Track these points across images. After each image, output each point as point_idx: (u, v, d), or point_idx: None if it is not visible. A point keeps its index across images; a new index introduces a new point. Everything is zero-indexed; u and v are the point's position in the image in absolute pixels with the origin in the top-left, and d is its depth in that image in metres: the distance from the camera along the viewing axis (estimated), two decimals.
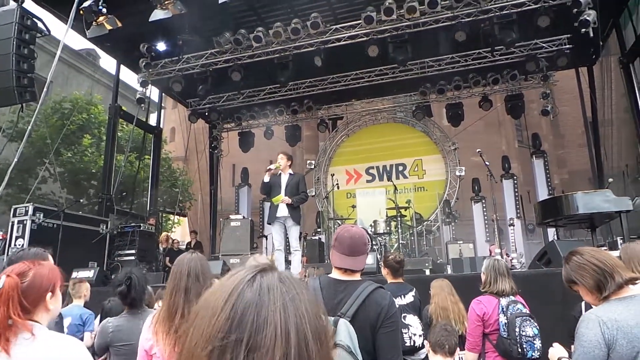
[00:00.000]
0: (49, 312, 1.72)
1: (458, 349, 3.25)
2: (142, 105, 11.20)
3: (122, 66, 11.72)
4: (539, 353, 3.24)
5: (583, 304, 3.19)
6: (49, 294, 1.71)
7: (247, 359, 0.57)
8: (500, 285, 3.41)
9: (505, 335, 3.27)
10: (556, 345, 2.23)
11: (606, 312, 1.92)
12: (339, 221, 10.13)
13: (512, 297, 3.41)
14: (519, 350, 3.21)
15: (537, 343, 3.24)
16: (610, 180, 7.45)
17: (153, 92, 12.84)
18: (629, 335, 1.82)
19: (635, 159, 10.03)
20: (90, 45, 14.41)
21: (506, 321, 3.29)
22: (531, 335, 3.24)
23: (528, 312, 3.39)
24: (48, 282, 1.71)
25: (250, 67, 10.61)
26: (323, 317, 0.66)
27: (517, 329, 3.24)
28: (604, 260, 2.04)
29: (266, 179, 6.64)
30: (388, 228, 8.76)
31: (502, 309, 3.34)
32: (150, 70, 10.77)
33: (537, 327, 3.30)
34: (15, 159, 7.91)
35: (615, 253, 2.60)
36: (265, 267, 0.68)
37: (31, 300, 1.62)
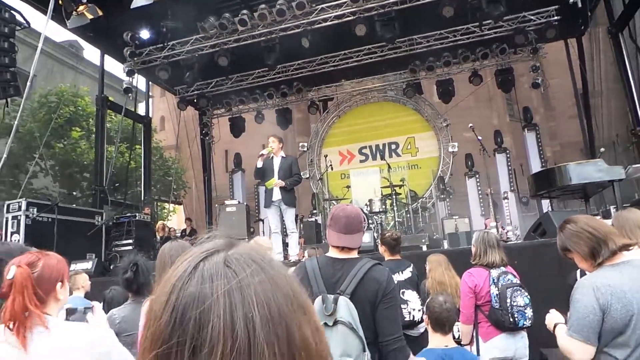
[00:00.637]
0: (59, 302, 1.73)
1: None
2: (130, 94, 11.07)
3: (106, 56, 11.53)
4: (530, 322, 3.32)
5: (578, 272, 3.23)
6: (59, 283, 1.72)
7: None
8: (490, 257, 3.45)
9: (497, 306, 3.32)
10: (552, 311, 2.27)
11: (600, 278, 1.96)
12: (334, 202, 10.15)
13: (502, 269, 3.46)
14: (511, 319, 3.28)
15: (529, 312, 3.31)
16: (602, 150, 7.51)
17: (140, 82, 12.72)
18: (623, 300, 1.85)
19: (625, 128, 10.09)
20: (73, 37, 14.18)
21: (497, 292, 3.35)
22: (522, 305, 3.30)
23: (518, 282, 3.44)
24: (57, 272, 1.72)
25: (237, 51, 10.47)
26: (286, 297, 0.57)
27: (508, 300, 3.30)
28: (597, 227, 2.07)
29: (259, 164, 6.64)
30: (383, 206, 8.80)
31: (493, 280, 3.39)
32: (135, 59, 10.60)
33: (528, 297, 3.36)
34: (5, 155, 7.82)
35: (609, 222, 2.63)
36: (212, 249, 0.60)
37: (43, 290, 1.62)
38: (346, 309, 2.08)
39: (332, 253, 2.34)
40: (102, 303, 4.28)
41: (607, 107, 11.18)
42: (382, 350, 2.19)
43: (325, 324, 2.07)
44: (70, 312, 1.96)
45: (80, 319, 1.97)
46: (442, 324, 2.56)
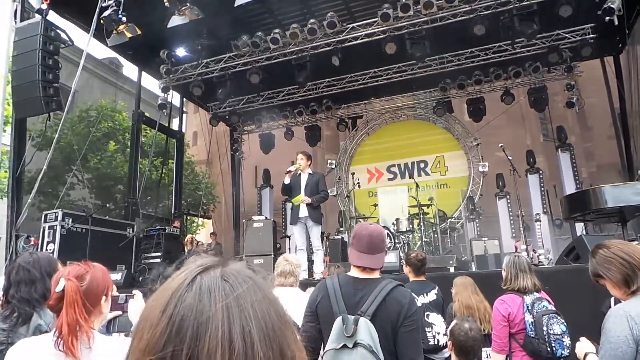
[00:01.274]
0: (102, 315, 1.73)
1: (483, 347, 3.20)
2: (164, 110, 11.42)
3: (143, 73, 11.97)
4: (568, 351, 3.14)
5: (612, 299, 3.09)
6: (104, 297, 1.72)
7: None
8: (522, 282, 3.32)
9: (532, 335, 3.18)
10: (583, 339, 2.18)
11: (635, 307, 1.87)
12: (360, 220, 10.09)
13: (536, 294, 3.33)
14: (548, 349, 3.12)
15: (566, 340, 3.14)
16: None
17: (174, 98, 13.11)
18: None
19: None
20: (112, 54, 14.73)
21: (533, 320, 3.21)
22: (559, 333, 3.15)
23: (554, 309, 3.30)
24: (103, 285, 1.73)
25: (268, 69, 10.69)
26: (278, 315, 0.59)
27: (544, 328, 3.15)
28: (631, 253, 1.98)
29: (286, 180, 6.69)
30: (411, 226, 8.68)
31: (527, 307, 3.25)
32: (170, 76, 10.96)
33: (565, 324, 3.21)
34: (45, 167, 8.17)
35: None
36: (209, 264, 0.61)
37: (90, 304, 1.63)
38: (367, 331, 2.06)
39: (354, 272, 2.32)
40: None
41: None
42: None
43: (345, 345, 2.05)
44: (113, 300, 2.03)
45: (121, 308, 2.11)
46: (467, 351, 2.48)
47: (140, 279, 8.03)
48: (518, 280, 3.35)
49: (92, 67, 19.17)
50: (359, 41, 9.74)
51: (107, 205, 13.07)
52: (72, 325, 1.53)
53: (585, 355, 2.06)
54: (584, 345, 2.14)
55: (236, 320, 0.54)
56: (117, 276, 7.26)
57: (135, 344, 0.56)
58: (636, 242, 5.78)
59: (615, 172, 13.28)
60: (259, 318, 0.56)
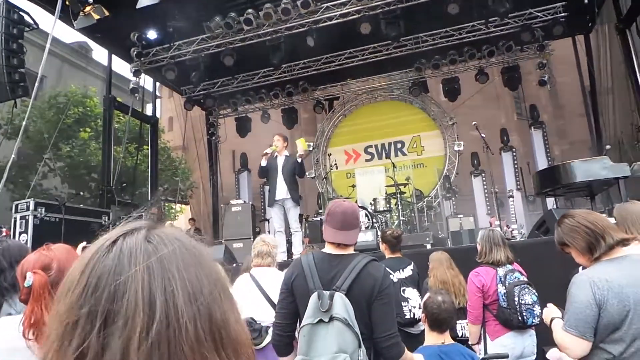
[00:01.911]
0: None
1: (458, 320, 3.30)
2: (137, 95, 11.15)
3: (114, 57, 11.63)
4: (538, 319, 3.27)
5: (580, 268, 3.21)
6: None
7: (104, 332, 0.49)
8: (496, 255, 3.43)
9: (505, 305, 3.30)
10: (550, 305, 2.26)
11: (597, 272, 1.94)
12: (342, 198, 10.08)
13: (509, 267, 3.44)
14: (519, 318, 3.25)
15: (537, 309, 3.27)
16: (608, 147, 7.43)
17: (147, 82, 12.80)
18: (620, 295, 1.84)
19: (630, 125, 9.98)
20: (82, 38, 14.28)
21: (505, 291, 3.32)
22: (530, 303, 3.28)
23: (526, 279, 3.42)
24: (71, 265, 1.72)
25: (242, 51, 10.52)
26: (208, 278, 0.56)
27: (516, 298, 3.27)
28: (594, 222, 2.04)
29: (263, 162, 6.67)
30: (388, 205, 8.78)
31: (500, 278, 3.37)
32: (142, 59, 10.69)
33: (536, 294, 3.33)
34: (13, 156, 7.92)
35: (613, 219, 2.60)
36: (134, 227, 0.59)
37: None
38: (342, 305, 2.09)
39: (328, 249, 2.35)
40: None
41: (615, 105, 11.05)
42: (376, 346, 2.19)
43: (321, 320, 2.08)
44: None
45: None
46: (440, 323, 2.55)
47: None
48: (492, 253, 3.46)
49: (61, 52, 18.55)
50: (333, 21, 9.66)
51: (81, 193, 12.79)
52: (38, 320, 1.52)
53: (552, 320, 2.14)
54: (550, 310, 2.22)
55: (158, 281, 0.52)
56: None
57: (58, 306, 0.54)
58: (604, 215, 5.98)
59: (586, 148, 13.64)
60: (184, 279, 0.54)
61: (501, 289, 3.34)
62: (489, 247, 3.50)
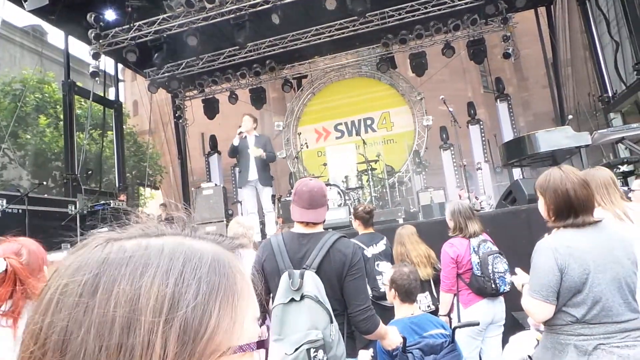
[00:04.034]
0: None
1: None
2: (97, 79, 10.73)
3: (71, 39, 11.13)
4: (509, 287, 3.41)
5: (546, 235, 3.32)
6: (45, 267, 1.72)
7: None
8: (471, 228, 3.52)
9: (479, 274, 3.41)
10: (519, 271, 2.32)
11: (560, 239, 1.99)
12: (308, 177, 10.06)
13: (481, 237, 3.54)
14: (493, 286, 3.38)
15: (508, 277, 3.40)
16: (570, 117, 7.66)
17: (108, 65, 12.35)
18: (580, 260, 1.90)
19: (587, 95, 10.28)
20: (35, 21, 13.61)
21: (479, 260, 3.43)
22: (502, 271, 3.41)
23: (497, 249, 3.54)
24: (42, 256, 1.72)
25: (206, 30, 10.22)
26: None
27: (489, 267, 3.40)
28: (581, 197, 2.00)
29: (235, 141, 6.58)
30: (360, 182, 8.84)
31: (474, 249, 3.48)
32: (100, 41, 10.25)
33: (507, 263, 3.46)
34: None
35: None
36: None
37: (36, 274, 1.63)
38: (312, 283, 2.10)
39: (298, 228, 2.35)
40: None
41: (574, 76, 11.34)
42: (352, 321, 2.22)
43: (293, 299, 2.09)
44: None
45: None
46: (411, 293, 2.60)
47: None
48: (468, 227, 3.54)
49: (12, 36, 17.64)
50: None
51: (44, 183, 12.36)
52: (20, 299, 1.51)
53: (523, 286, 2.19)
54: (520, 276, 2.27)
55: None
56: (62, 255, 6.97)
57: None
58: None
59: (549, 119, 14.01)
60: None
61: (475, 259, 3.45)
62: (463, 221, 3.57)
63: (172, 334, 0.42)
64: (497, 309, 3.51)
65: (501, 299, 3.55)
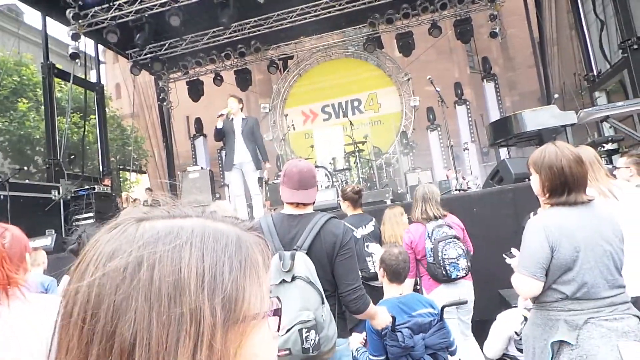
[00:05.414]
0: (27, 272, 1.69)
1: None
2: (78, 60, 10.45)
3: (49, 20, 10.77)
4: (464, 272, 3.36)
5: (532, 214, 3.33)
6: (27, 254, 1.70)
7: None
8: (427, 211, 3.49)
9: (431, 260, 3.39)
10: (515, 252, 2.31)
11: (551, 217, 1.99)
12: (297, 159, 10.02)
13: (438, 222, 3.48)
14: (443, 272, 3.35)
15: (462, 262, 3.35)
16: (556, 96, 7.69)
17: (89, 46, 12.01)
18: (571, 238, 1.90)
19: (572, 75, 10.35)
20: (10, 0, 13.13)
21: (432, 246, 3.41)
22: (454, 257, 3.35)
23: (453, 233, 3.44)
24: (25, 242, 1.70)
25: (189, 9, 9.98)
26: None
27: (439, 253, 3.36)
28: (575, 174, 1.97)
29: (219, 125, 6.45)
30: (347, 164, 8.82)
31: (428, 234, 3.44)
32: (80, 21, 9.96)
33: (462, 248, 3.39)
34: None
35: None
36: None
37: (17, 260, 1.60)
38: (303, 264, 2.09)
39: (287, 210, 2.33)
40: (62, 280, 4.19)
41: (559, 55, 11.39)
42: (342, 301, 2.22)
43: (284, 280, 2.07)
44: None
45: None
46: (399, 274, 2.61)
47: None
48: (418, 209, 3.54)
49: None
50: None
51: (25, 168, 12.12)
52: (2, 279, 1.49)
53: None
54: (517, 258, 2.26)
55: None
56: (46, 241, 6.87)
57: None
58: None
59: (535, 99, 14.09)
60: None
61: (428, 245, 3.42)
62: (422, 205, 3.55)
63: (217, 302, 0.48)
64: (461, 291, 3.41)
65: (464, 282, 3.45)
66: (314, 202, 2.35)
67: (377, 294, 3.25)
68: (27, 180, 9.23)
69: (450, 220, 3.55)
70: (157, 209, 0.58)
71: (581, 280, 1.88)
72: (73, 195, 8.92)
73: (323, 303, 2.06)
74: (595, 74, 9.55)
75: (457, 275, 3.35)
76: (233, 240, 0.53)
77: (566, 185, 1.98)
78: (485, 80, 12.50)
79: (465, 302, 3.06)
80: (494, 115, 11.93)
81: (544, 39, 11.72)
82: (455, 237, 3.42)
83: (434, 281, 3.45)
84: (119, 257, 0.48)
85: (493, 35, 11.74)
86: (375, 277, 4.00)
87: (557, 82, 11.29)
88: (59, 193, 8.80)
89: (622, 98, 8.32)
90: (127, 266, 0.47)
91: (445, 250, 3.35)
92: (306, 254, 2.13)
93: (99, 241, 0.51)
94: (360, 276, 3.42)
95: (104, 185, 9.52)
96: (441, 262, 3.34)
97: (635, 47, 7.62)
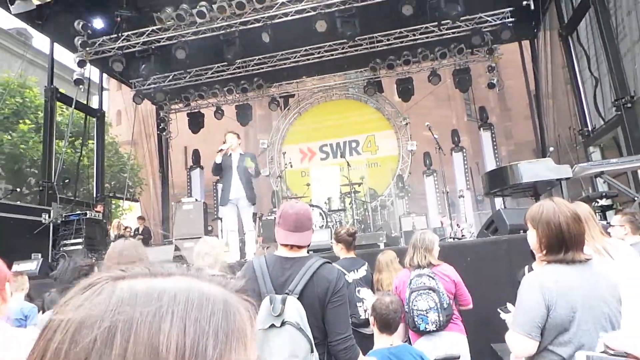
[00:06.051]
0: (5, 303, 1.62)
1: None
2: (81, 86, 10.58)
3: (56, 45, 10.97)
4: (435, 325, 3.23)
5: (526, 268, 3.29)
6: (7, 283, 1.62)
7: None
8: (414, 258, 3.44)
9: (406, 309, 3.32)
10: (511, 307, 2.26)
11: (548, 274, 1.95)
12: (294, 200, 10.04)
13: (422, 270, 3.40)
14: (413, 323, 3.28)
15: (432, 316, 3.24)
16: (551, 149, 7.78)
17: (93, 73, 12.20)
18: (567, 298, 1.86)
19: (568, 129, 10.53)
20: (21, 24, 13.40)
21: (407, 295, 3.35)
22: (424, 309, 3.26)
23: (431, 285, 3.34)
24: (4, 274, 1.62)
25: (195, 44, 10.21)
26: None
27: (410, 303, 3.30)
28: (573, 231, 1.94)
29: (218, 159, 6.47)
30: (343, 204, 8.80)
31: (409, 282, 3.39)
32: (87, 49, 10.15)
33: (434, 300, 3.27)
34: None
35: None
36: None
37: None
38: (294, 309, 2.03)
39: (281, 251, 2.29)
40: (42, 306, 4.06)
41: (555, 109, 11.64)
42: (331, 350, 2.15)
43: (273, 325, 2.01)
44: None
45: None
46: (389, 324, 2.54)
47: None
48: (410, 256, 3.48)
49: None
50: (289, 18, 9.56)
51: (18, 189, 12.00)
52: None
53: None
54: (512, 312, 2.20)
55: None
56: (32, 265, 6.71)
57: None
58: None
59: (530, 150, 14.28)
60: None
61: (407, 293, 3.35)
62: (412, 251, 3.50)
63: None
64: (451, 342, 3.28)
65: (450, 335, 3.31)
66: (309, 245, 2.32)
67: (367, 342, 3.16)
68: (18, 202, 9.10)
69: (439, 270, 3.44)
70: (137, 267, 0.52)
71: (578, 342, 1.83)
72: (63, 219, 8.81)
73: (312, 352, 1.99)
74: (590, 129, 9.72)
75: (425, 327, 3.23)
76: (220, 307, 0.48)
77: (563, 243, 1.96)
78: (482, 128, 12.71)
79: (458, 357, 2.97)
80: (490, 163, 12.06)
81: (540, 92, 12.00)
82: (431, 288, 3.30)
83: (410, 329, 3.36)
84: (88, 326, 0.43)
85: (491, 86, 12.04)
86: (365, 323, 3.90)
87: (552, 134, 11.47)
88: (49, 216, 8.68)
89: (616, 154, 8.44)
90: (96, 339, 0.42)
91: (416, 301, 3.27)
92: (298, 298, 2.07)
93: (69, 305, 0.46)
94: (350, 322, 3.34)
95: (96, 211, 9.41)
96: (411, 312, 3.28)
97: (629, 105, 7.79)
